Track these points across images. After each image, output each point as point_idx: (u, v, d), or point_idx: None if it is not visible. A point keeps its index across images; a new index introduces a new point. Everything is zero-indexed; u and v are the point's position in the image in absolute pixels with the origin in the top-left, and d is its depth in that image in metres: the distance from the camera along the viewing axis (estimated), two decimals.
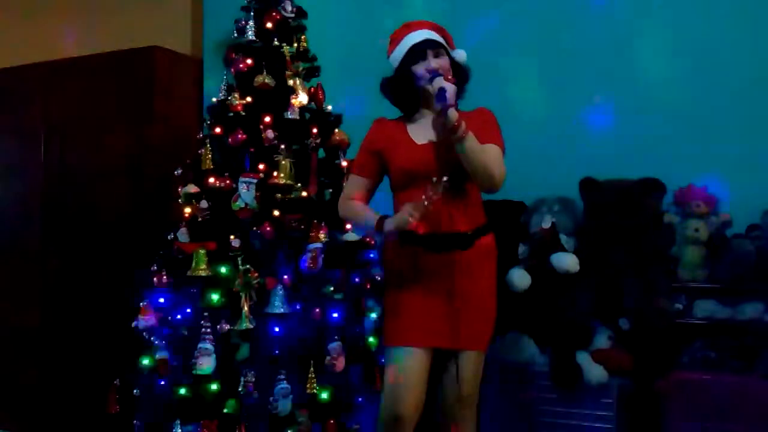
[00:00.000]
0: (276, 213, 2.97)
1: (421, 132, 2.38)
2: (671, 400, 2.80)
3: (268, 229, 2.91)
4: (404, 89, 2.40)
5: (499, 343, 3.02)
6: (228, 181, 3.01)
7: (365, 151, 2.48)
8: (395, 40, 2.42)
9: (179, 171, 3.20)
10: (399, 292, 2.39)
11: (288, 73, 3.18)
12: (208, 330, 2.78)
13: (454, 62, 2.40)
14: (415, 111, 2.45)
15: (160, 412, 2.92)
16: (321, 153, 3.25)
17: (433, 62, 2.33)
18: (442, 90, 2.16)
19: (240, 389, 2.75)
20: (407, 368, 2.31)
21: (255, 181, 2.97)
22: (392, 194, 2.45)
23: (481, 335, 2.39)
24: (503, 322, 3.05)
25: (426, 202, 2.16)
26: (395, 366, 2.33)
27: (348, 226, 3.06)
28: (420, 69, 2.33)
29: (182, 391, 2.87)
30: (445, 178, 2.17)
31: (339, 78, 3.50)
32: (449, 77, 2.28)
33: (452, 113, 2.14)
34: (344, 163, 3.24)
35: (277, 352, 2.83)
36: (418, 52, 2.34)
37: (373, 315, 3.06)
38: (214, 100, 3.25)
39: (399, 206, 2.35)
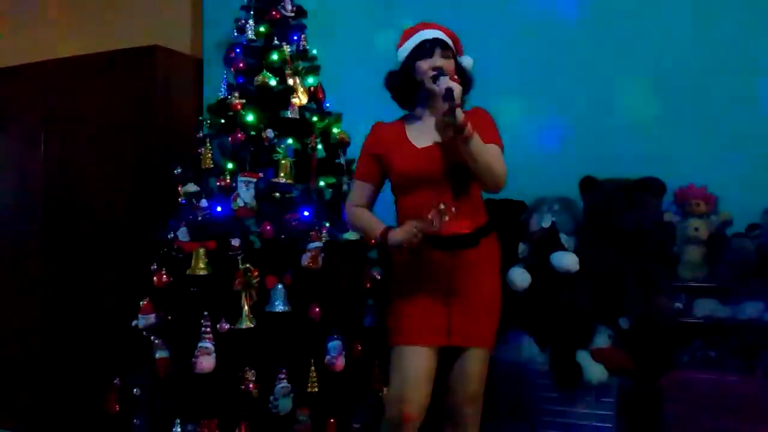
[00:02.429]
0: (276, 212, 2.97)
1: (422, 135, 2.37)
2: (671, 399, 2.79)
3: (267, 228, 2.91)
4: (405, 83, 2.40)
5: (499, 342, 3.03)
6: (228, 180, 3.01)
7: (366, 155, 2.48)
8: (406, 35, 2.43)
9: (179, 170, 3.20)
10: (404, 291, 2.39)
11: (288, 72, 3.18)
12: (208, 329, 2.78)
13: (459, 67, 2.41)
14: (412, 107, 2.46)
15: (160, 412, 2.92)
16: (321, 152, 3.25)
17: (439, 61, 2.33)
18: (449, 90, 2.14)
19: (240, 388, 2.75)
20: (413, 367, 2.31)
21: (254, 180, 2.97)
22: (394, 198, 2.44)
23: (487, 332, 2.40)
24: (503, 320, 3.07)
25: (434, 225, 2.19)
26: (401, 365, 2.33)
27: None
28: (424, 65, 2.33)
29: (182, 390, 2.87)
30: (453, 208, 2.21)
31: (339, 77, 3.50)
32: (455, 77, 2.27)
33: (459, 113, 2.13)
34: (344, 162, 3.24)
35: (277, 351, 2.83)
36: (427, 48, 2.35)
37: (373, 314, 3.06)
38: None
39: (402, 211, 2.37)
